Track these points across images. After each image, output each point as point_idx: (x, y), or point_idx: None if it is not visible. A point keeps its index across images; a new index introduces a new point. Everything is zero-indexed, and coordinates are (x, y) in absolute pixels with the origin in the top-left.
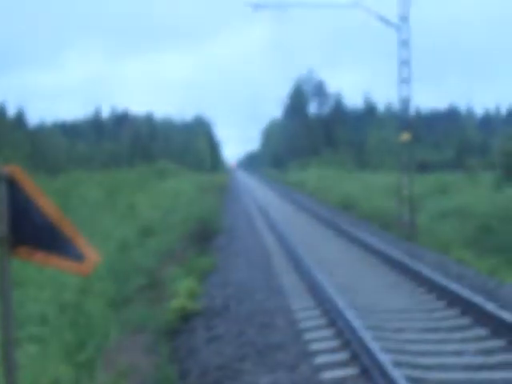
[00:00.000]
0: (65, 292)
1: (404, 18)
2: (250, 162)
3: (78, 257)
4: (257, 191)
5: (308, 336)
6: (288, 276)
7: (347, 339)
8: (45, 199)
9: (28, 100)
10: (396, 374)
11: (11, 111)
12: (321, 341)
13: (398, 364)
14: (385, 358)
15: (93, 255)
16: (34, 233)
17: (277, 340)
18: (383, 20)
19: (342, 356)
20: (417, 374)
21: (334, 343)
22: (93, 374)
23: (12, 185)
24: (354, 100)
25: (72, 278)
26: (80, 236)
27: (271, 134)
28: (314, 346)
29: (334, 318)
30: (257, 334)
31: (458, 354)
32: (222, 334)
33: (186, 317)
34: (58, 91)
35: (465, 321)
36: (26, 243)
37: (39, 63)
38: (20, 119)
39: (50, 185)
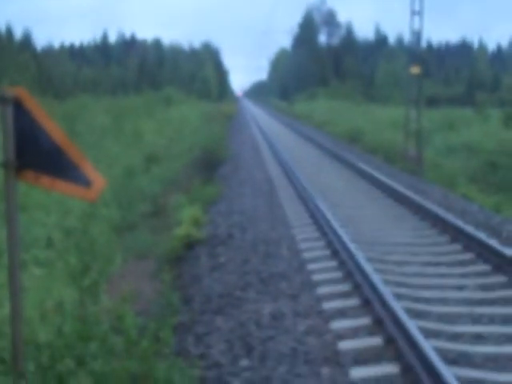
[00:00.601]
0: (70, 217)
1: None
2: (258, 92)
3: (85, 182)
4: (263, 121)
5: (311, 267)
6: (292, 206)
7: (349, 271)
8: (51, 123)
9: (35, 23)
10: (396, 305)
11: (18, 34)
12: (323, 272)
13: (398, 296)
14: (385, 291)
15: (99, 181)
16: (40, 157)
17: (280, 270)
18: None
19: (344, 287)
20: (416, 306)
21: (336, 274)
22: (97, 298)
23: (18, 107)
24: (364, 31)
25: (77, 202)
26: (86, 161)
27: (279, 63)
28: (317, 277)
29: (337, 250)
30: (260, 263)
31: (459, 288)
32: (226, 262)
33: (189, 244)
34: (65, 15)
35: (467, 256)
36: (31, 167)
37: None
38: (26, 42)
39: (57, 109)
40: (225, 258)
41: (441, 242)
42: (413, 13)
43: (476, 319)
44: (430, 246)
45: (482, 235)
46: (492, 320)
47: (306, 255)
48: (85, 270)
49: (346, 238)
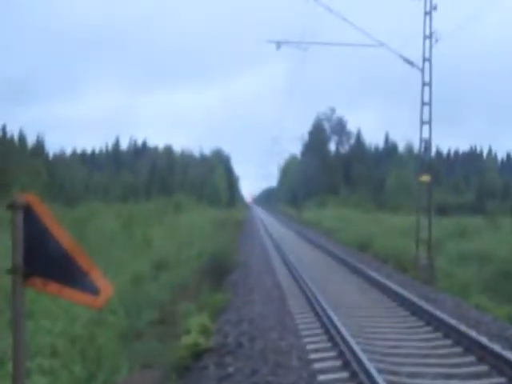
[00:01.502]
0: (77, 324)
1: (427, 60)
2: (267, 199)
3: (93, 290)
4: (273, 228)
5: (322, 378)
6: (303, 315)
7: (361, 382)
8: (61, 229)
9: (47, 131)
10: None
11: (30, 141)
12: None
13: None
14: None
15: (107, 289)
16: (49, 263)
17: (290, 381)
18: (406, 61)
19: None
20: None
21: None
22: None
23: (28, 213)
24: (373, 139)
25: (84, 309)
26: (95, 268)
27: (289, 170)
28: None
29: (348, 361)
30: (270, 373)
31: None
32: (234, 372)
33: (197, 353)
34: (78, 122)
35: (481, 368)
36: (40, 274)
37: (59, 95)
38: (39, 148)
39: (67, 215)
40: (233, 368)
41: (454, 353)
42: (422, 122)
43: None
44: (442, 358)
45: (496, 346)
46: None
47: (317, 366)
48: (90, 380)
49: (357, 348)
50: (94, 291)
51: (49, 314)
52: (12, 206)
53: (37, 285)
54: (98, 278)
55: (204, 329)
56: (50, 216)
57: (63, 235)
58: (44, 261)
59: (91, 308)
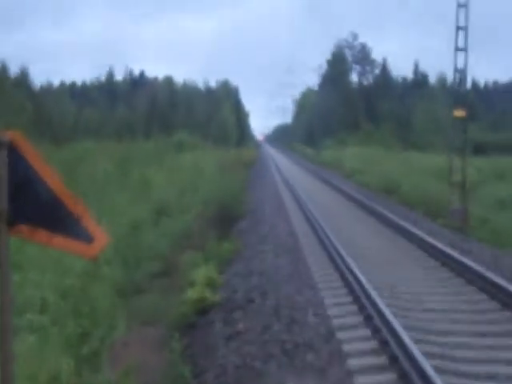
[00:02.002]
0: (68, 277)
1: None
2: (281, 137)
3: (85, 238)
4: (287, 170)
5: (340, 335)
6: (320, 268)
7: (384, 339)
8: (49, 170)
9: (32, 59)
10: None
11: (13, 71)
12: (355, 341)
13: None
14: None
15: (101, 236)
16: (37, 208)
17: (306, 339)
18: None
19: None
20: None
21: (370, 344)
22: (97, 370)
23: (12, 153)
24: (401, 70)
25: (77, 261)
26: (88, 214)
27: (305, 105)
28: (347, 347)
29: (370, 315)
30: (284, 330)
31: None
32: (244, 330)
33: (203, 309)
34: (66, 51)
35: None
36: (26, 220)
37: (47, 19)
38: (23, 80)
39: (56, 155)
40: (243, 325)
41: (489, 309)
42: (456, 49)
43: None
44: (475, 314)
45: None
46: None
47: (336, 322)
48: (84, 337)
49: (381, 303)
50: (88, 239)
51: (37, 266)
52: None
53: (23, 233)
54: (91, 224)
55: (210, 281)
56: (36, 155)
57: (52, 177)
58: (31, 206)
59: (84, 258)
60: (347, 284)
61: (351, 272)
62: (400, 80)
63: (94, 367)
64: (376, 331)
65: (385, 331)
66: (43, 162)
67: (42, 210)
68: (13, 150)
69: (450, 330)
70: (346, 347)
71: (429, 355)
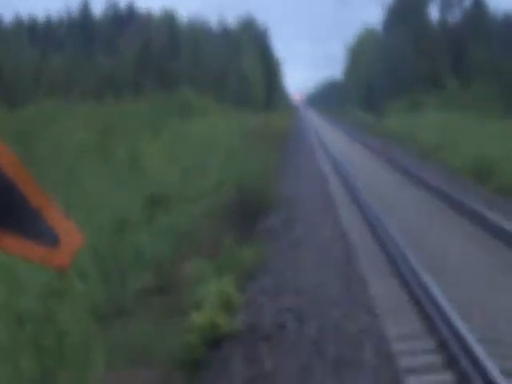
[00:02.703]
0: (26, 295)
1: None
2: (327, 98)
3: (49, 238)
4: (337, 145)
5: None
6: (383, 290)
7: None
8: (1, 146)
9: None
10: None
11: None
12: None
13: None
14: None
15: (73, 237)
16: None
17: None
18: None
19: None
20: None
21: None
22: None
23: None
24: (502, 2)
25: (37, 272)
26: (53, 205)
27: (363, 52)
28: None
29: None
30: (328, 374)
31: None
32: (273, 371)
33: (215, 341)
34: None
35: None
36: None
37: None
38: None
39: (10, 121)
40: (271, 364)
41: None
42: None
43: None
44: None
45: None
46: None
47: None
48: (45, 382)
49: (471, 338)
50: (52, 240)
51: None
52: None
53: None
54: (58, 219)
55: (225, 301)
56: None
57: (6, 155)
58: None
59: (49, 267)
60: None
61: (429, 296)
62: (501, 17)
63: None
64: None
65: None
66: None
67: None
68: None
69: None
70: None
71: None
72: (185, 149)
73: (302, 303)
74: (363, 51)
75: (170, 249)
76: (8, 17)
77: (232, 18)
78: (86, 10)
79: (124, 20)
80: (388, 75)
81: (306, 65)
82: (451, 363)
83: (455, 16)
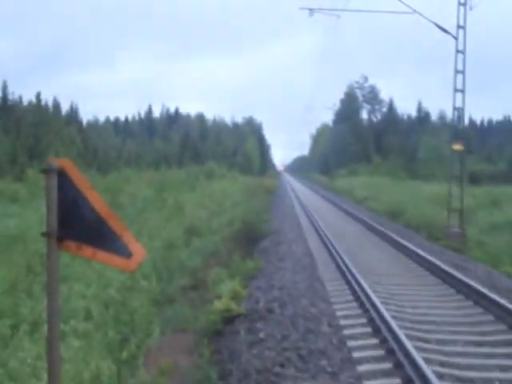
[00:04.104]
0: (110, 288)
1: (461, 27)
2: (299, 167)
3: (126, 253)
4: (304, 196)
5: (351, 344)
6: (333, 284)
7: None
8: (94, 193)
9: (81, 99)
10: None
11: (64, 108)
12: (363, 348)
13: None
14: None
15: (140, 252)
16: (83, 227)
17: (320, 346)
18: (441, 28)
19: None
20: None
21: (378, 352)
22: (134, 372)
23: (62, 177)
24: (406, 108)
25: (117, 274)
26: (128, 232)
27: (321, 139)
28: (352, 343)
29: (379, 327)
30: (301, 339)
31: (504, 369)
32: (265, 337)
33: (229, 319)
34: (110, 91)
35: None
36: (73, 237)
37: (93, 63)
38: (73, 116)
39: (101, 182)
40: (264, 333)
41: (484, 321)
42: (455, 90)
43: None
44: (473, 326)
45: None
46: None
47: (343, 323)
48: (123, 343)
49: (387, 314)
50: (127, 254)
51: (82, 279)
52: (46, 171)
53: (71, 248)
54: (131, 241)
55: (235, 294)
56: (83, 180)
57: (96, 199)
58: (78, 224)
59: (124, 271)
60: (357, 298)
61: (360, 286)
62: (405, 117)
63: (132, 370)
64: (383, 340)
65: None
66: (89, 185)
67: (87, 228)
68: (62, 175)
69: None
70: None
71: None
72: (210, 199)
73: (284, 296)
74: (321, 138)
75: (200, 261)
76: (102, 117)
77: (240, 117)
78: (149, 112)
79: (173, 119)
80: (336, 153)
81: (285, 146)
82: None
83: (377, 117)
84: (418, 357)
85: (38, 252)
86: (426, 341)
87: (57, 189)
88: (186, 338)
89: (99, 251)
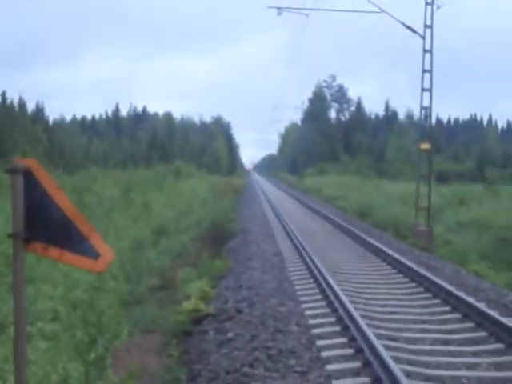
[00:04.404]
0: (77, 289)
1: (428, 27)
2: (268, 166)
3: (93, 254)
4: (273, 195)
5: (320, 343)
6: (301, 282)
7: (360, 348)
8: (61, 194)
9: (47, 97)
10: None
11: (30, 107)
12: (332, 347)
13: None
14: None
15: (108, 253)
16: (50, 228)
17: (289, 346)
18: (408, 28)
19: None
20: None
21: (347, 351)
22: (102, 373)
23: (28, 178)
24: (374, 108)
25: (85, 275)
26: (95, 233)
27: (289, 138)
28: (326, 353)
29: (347, 326)
30: (270, 338)
31: (471, 367)
32: (234, 337)
33: (197, 319)
34: (77, 89)
35: (480, 334)
36: (40, 239)
37: (59, 61)
38: (39, 115)
39: (67, 182)
40: (233, 333)
41: (452, 320)
42: (422, 89)
43: None
44: (441, 324)
45: (494, 313)
46: None
47: (315, 331)
48: (91, 344)
49: (356, 313)
50: (95, 255)
51: (49, 279)
52: (12, 171)
53: (37, 250)
54: (99, 242)
55: (204, 294)
56: (50, 180)
57: (63, 199)
58: (44, 226)
59: (92, 272)
60: (322, 290)
61: (328, 284)
62: (373, 116)
63: (100, 371)
64: (352, 339)
65: (353, 330)
66: (56, 186)
67: (54, 229)
68: (29, 176)
69: None
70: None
71: None
72: (177, 199)
73: (252, 295)
74: (289, 137)
75: (169, 261)
76: (68, 116)
77: (208, 117)
78: (117, 111)
79: (140, 118)
80: (305, 152)
81: (254, 145)
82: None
83: (345, 116)
84: (379, 346)
85: (3, 253)
86: (394, 339)
87: (23, 189)
88: (154, 338)
89: (67, 252)
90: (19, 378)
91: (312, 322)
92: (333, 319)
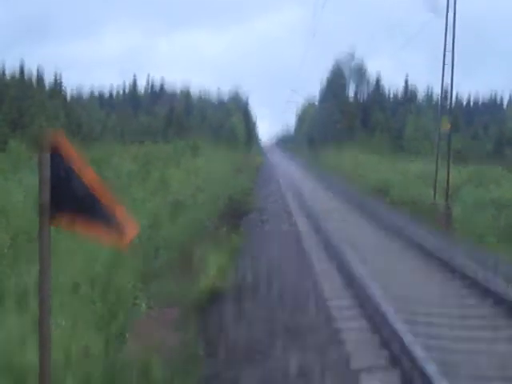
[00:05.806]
0: (97, 264)
1: (450, 5)
2: (285, 144)
3: (118, 228)
4: (289, 173)
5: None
6: (317, 256)
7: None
8: (86, 168)
9: (64, 69)
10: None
11: (48, 80)
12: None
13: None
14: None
15: (133, 227)
16: (75, 202)
17: (307, 320)
18: (430, 6)
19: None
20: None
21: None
22: (122, 346)
23: (54, 152)
24: (393, 84)
25: (104, 250)
26: (121, 208)
27: (306, 116)
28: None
29: (363, 301)
30: (288, 315)
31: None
32: (251, 310)
33: (215, 292)
34: (95, 62)
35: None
36: (66, 212)
37: (77, 35)
38: (56, 89)
39: (85, 155)
40: (250, 306)
41: (470, 298)
42: (443, 68)
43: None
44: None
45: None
46: None
47: (332, 303)
48: (110, 317)
49: (375, 292)
50: (120, 229)
51: (69, 254)
52: (39, 145)
53: (63, 223)
54: (124, 216)
55: (222, 269)
56: (75, 154)
57: (89, 174)
58: (70, 200)
59: (117, 246)
60: (343, 273)
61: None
62: (392, 95)
63: (120, 344)
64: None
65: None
66: (82, 161)
67: (80, 203)
68: (55, 150)
69: None
70: None
71: None
72: (195, 174)
73: (270, 270)
74: (307, 116)
75: (186, 236)
76: (86, 89)
77: (225, 92)
78: (134, 86)
79: (158, 93)
80: (322, 131)
81: (272, 123)
82: None
83: (364, 94)
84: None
85: (22, 227)
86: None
87: (49, 164)
88: (173, 311)
89: (91, 226)
90: (43, 354)
91: (327, 295)
92: (341, 279)
